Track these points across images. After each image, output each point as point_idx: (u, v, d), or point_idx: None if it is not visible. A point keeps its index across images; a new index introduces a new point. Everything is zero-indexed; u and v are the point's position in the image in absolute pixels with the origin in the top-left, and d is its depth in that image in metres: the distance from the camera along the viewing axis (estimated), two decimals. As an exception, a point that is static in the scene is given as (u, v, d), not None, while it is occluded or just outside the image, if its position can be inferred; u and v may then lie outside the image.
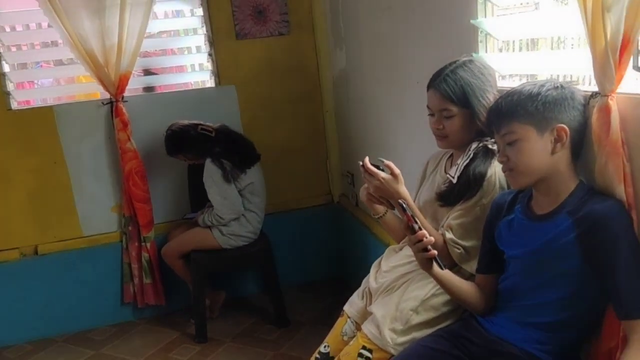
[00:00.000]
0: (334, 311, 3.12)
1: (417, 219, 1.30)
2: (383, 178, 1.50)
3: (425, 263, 1.33)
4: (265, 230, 2.95)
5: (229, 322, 3.07)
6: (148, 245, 2.99)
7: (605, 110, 1.13)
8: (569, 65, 1.44)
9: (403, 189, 1.51)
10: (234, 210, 2.72)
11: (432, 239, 1.29)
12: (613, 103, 1.12)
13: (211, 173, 2.66)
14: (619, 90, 1.13)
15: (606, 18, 1.04)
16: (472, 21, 1.61)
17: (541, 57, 1.57)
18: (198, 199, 3.02)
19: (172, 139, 2.74)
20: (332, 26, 3.04)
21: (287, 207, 3.32)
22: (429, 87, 1.56)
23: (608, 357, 1.23)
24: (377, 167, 1.53)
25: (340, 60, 2.98)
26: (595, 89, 1.19)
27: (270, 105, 3.20)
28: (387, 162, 1.54)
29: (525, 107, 1.22)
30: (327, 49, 3.14)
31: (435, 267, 1.34)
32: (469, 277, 1.49)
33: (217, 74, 3.09)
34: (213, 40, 3.04)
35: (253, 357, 2.73)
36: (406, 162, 1.98)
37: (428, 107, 1.57)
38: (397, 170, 1.52)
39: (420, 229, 1.28)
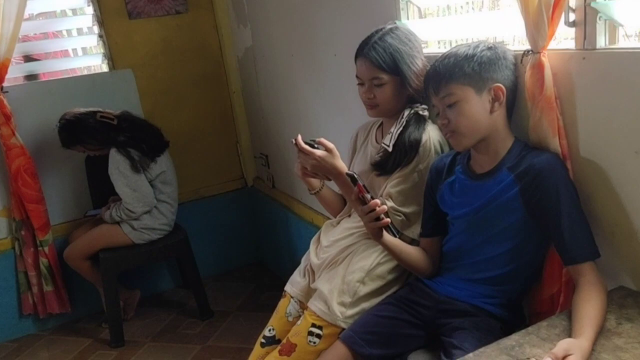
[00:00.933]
0: (258, 296, 3.07)
1: (368, 189, 1.27)
2: (319, 156, 1.45)
3: (377, 232, 1.31)
4: (178, 221, 2.79)
5: (146, 322, 2.89)
6: (46, 249, 2.70)
7: (539, 67, 1.18)
8: (489, 27, 1.48)
9: (340, 163, 1.48)
10: (146, 202, 2.54)
11: (385, 207, 1.27)
12: (545, 59, 1.17)
13: (117, 164, 2.45)
14: (548, 47, 1.17)
15: (540, -26, 1.07)
16: (393, -12, 1.61)
17: (462, 21, 1.61)
18: (100, 193, 2.79)
19: (68, 129, 2.48)
20: (233, 2, 2.91)
21: (198, 195, 3.18)
22: (357, 56, 1.53)
23: (550, 302, 1.30)
24: (311, 145, 1.47)
25: (246, 38, 2.87)
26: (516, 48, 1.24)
27: (172, 88, 3.01)
28: (319, 139, 1.49)
29: (463, 69, 1.23)
30: (229, 26, 3.02)
31: (386, 235, 1.33)
32: (409, 242, 1.50)
33: (111, 57, 2.85)
34: (102, 21, 2.79)
35: (179, 354, 2.59)
36: (329, 136, 1.93)
37: (357, 76, 1.55)
38: (330, 145, 1.48)
39: (372, 197, 1.26)
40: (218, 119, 3.18)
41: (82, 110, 2.53)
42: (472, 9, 1.78)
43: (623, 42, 1.14)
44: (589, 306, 1.05)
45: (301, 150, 1.46)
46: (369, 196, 1.27)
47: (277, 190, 2.98)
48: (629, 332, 1.02)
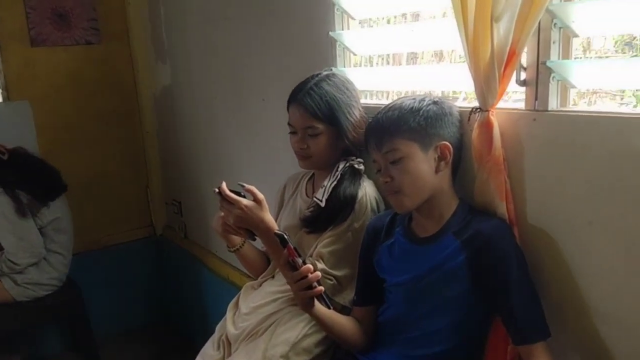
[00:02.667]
0: (162, 359, 2.74)
1: (300, 252, 1.11)
2: (245, 206, 1.28)
3: (307, 302, 1.15)
4: (71, 275, 2.45)
5: (26, 392, 2.48)
6: None
7: (487, 126, 1.10)
8: (429, 80, 1.41)
9: (268, 217, 1.31)
10: (33, 253, 2.19)
11: (319, 274, 1.11)
12: (494, 118, 1.09)
13: (2, 207, 2.11)
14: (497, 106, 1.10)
15: (494, 28, 1.00)
16: (330, 33, 1.51)
17: (401, 72, 1.53)
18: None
19: None
20: (152, 37, 2.72)
21: (98, 245, 2.85)
22: (290, 102, 1.40)
23: (493, 381, 1.18)
24: (237, 194, 1.30)
25: (164, 76, 2.67)
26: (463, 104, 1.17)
27: (76, 125, 2.73)
28: (248, 186, 1.33)
29: (408, 123, 1.13)
30: (146, 62, 2.80)
31: (318, 305, 1.16)
32: (340, 310, 1.34)
33: (6, 86, 2.54)
34: (0, 46, 2.48)
35: None
36: (255, 186, 1.79)
37: (290, 124, 1.41)
38: (260, 195, 1.32)
39: (304, 263, 1.10)
40: (127, 160, 2.91)
41: None
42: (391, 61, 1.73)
43: (573, 105, 1.09)
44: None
45: (225, 198, 1.28)
46: (300, 261, 1.11)
47: (190, 241, 2.73)
48: None
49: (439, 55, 1.88)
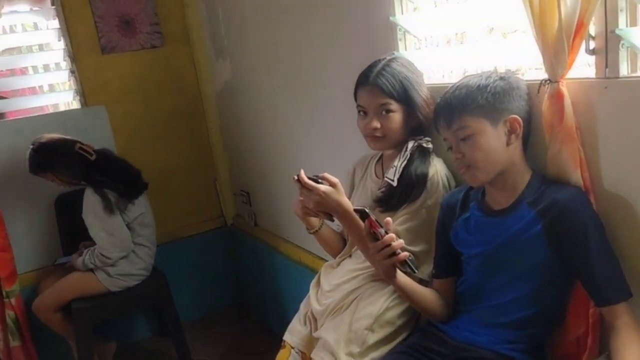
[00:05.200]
0: (243, 342, 2.90)
1: (381, 224, 1.17)
2: (323, 192, 1.35)
3: (390, 271, 1.21)
4: (153, 264, 2.62)
5: (124, 375, 2.69)
6: (12, 301, 2.48)
7: (558, 97, 1.12)
8: (487, 57, 1.44)
9: (345, 199, 1.38)
10: (123, 247, 2.37)
11: (402, 241, 1.17)
12: (564, 89, 1.12)
13: (93, 206, 2.29)
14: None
15: (561, 2, 1.02)
16: (391, 18, 1.55)
17: (461, 51, 1.56)
18: (71, 239, 2.62)
19: (43, 153, 2.29)
20: (211, 36, 2.83)
21: (174, 236, 3.03)
22: (360, 84, 1.45)
23: (576, 345, 1.22)
24: (315, 180, 1.38)
25: (225, 72, 2.78)
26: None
27: (147, 125, 2.90)
28: (322, 174, 1.40)
29: (476, 100, 1.17)
30: (207, 60, 2.93)
31: (400, 274, 1.23)
32: (418, 283, 1.41)
33: (83, 93, 2.72)
34: (74, 56, 2.67)
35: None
36: (318, 171, 1.86)
37: (360, 105, 1.47)
38: (334, 180, 1.39)
39: (387, 232, 1.16)
40: (195, 155, 3.06)
41: (60, 136, 2.37)
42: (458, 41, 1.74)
43: (645, 70, 1.09)
44: (631, 352, 0.98)
45: (304, 186, 1.36)
46: (382, 231, 1.17)
47: (260, 229, 2.85)
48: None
49: (490, 31, 1.88)
